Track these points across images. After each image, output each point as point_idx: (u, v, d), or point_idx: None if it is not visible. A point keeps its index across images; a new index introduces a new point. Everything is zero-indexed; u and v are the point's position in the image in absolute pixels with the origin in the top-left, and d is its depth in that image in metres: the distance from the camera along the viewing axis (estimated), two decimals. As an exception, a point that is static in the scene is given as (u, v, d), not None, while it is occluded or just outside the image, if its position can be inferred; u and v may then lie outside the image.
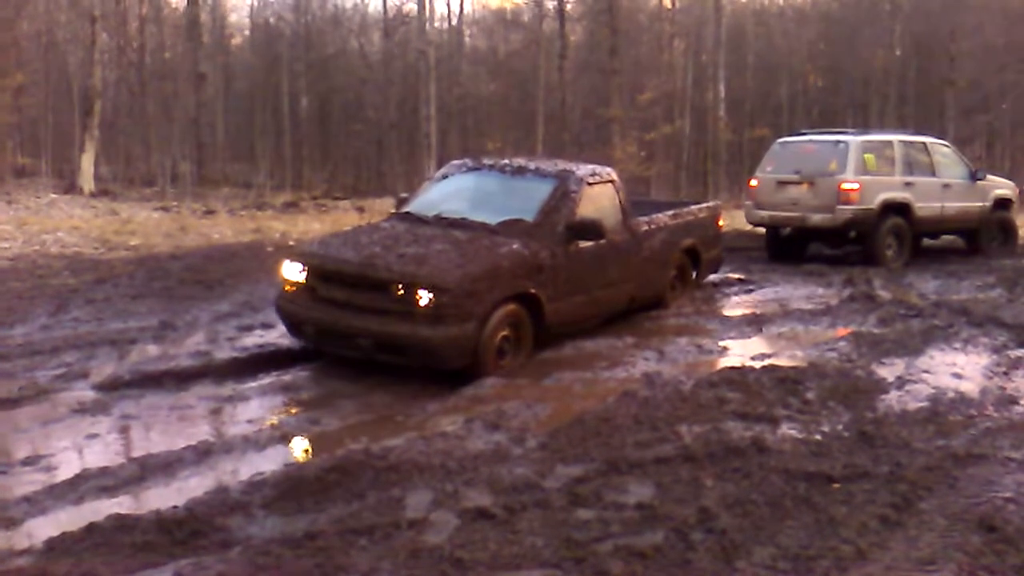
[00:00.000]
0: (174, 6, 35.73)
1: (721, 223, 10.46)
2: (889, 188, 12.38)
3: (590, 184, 7.92)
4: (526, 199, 7.55)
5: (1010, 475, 4.66)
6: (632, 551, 3.74)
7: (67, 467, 4.78)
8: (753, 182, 13.32)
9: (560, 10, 30.42)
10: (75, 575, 3.53)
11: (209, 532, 3.94)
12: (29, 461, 4.87)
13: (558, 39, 30.76)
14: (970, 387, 6.36)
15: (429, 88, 27.23)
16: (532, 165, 8.22)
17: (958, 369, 6.85)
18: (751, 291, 10.58)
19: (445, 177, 8.56)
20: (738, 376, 6.36)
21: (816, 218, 12.30)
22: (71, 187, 23.47)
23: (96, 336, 7.44)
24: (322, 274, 6.77)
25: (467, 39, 40.70)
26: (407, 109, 32.75)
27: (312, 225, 16.31)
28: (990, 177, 14.37)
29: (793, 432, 5.29)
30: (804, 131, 14.66)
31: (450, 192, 8.15)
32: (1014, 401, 6.03)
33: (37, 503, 4.29)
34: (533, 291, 6.87)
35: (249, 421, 5.68)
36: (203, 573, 3.56)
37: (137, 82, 30.44)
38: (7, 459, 4.94)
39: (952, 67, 29.99)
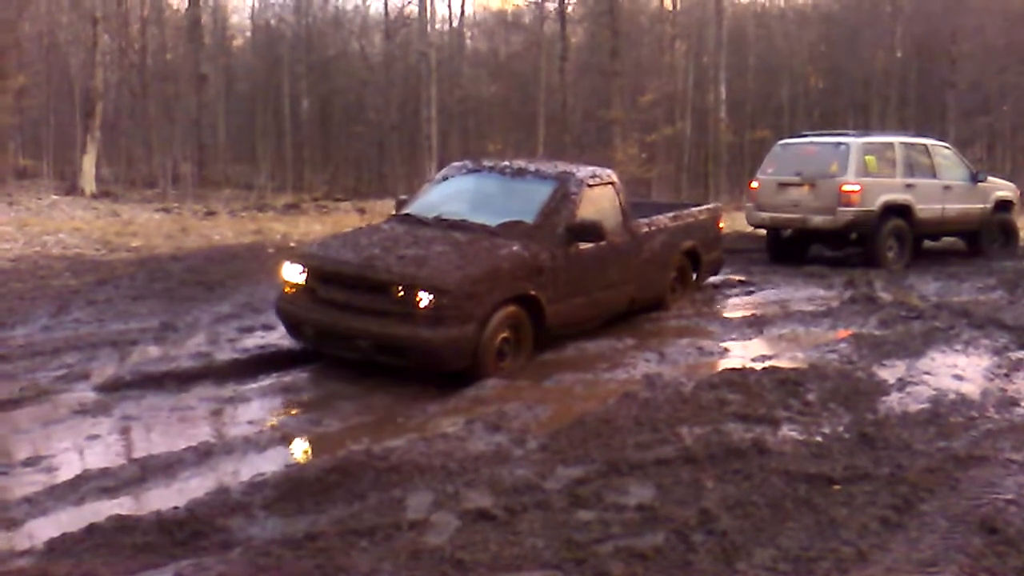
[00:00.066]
0: (175, 8, 35.79)
1: (721, 225, 10.45)
2: (890, 190, 12.38)
3: (590, 186, 7.92)
4: (526, 201, 7.54)
5: (1011, 477, 4.65)
6: (633, 552, 3.74)
7: (68, 468, 4.78)
8: (754, 184, 13.32)
9: (561, 12, 30.45)
10: (75, 576, 3.53)
11: (210, 533, 3.94)
12: (30, 462, 4.87)
13: (559, 41, 30.77)
14: (971, 389, 6.36)
15: (430, 90, 27.25)
16: (532, 167, 8.21)
17: (959, 371, 6.85)
18: (752, 293, 10.58)
19: (445, 179, 8.56)
20: (739, 378, 6.35)
21: (817, 220, 12.30)
22: (72, 188, 23.49)
23: (97, 337, 7.44)
24: (322, 276, 6.76)
25: (468, 41, 40.77)
26: (408, 111, 32.78)
27: (313, 227, 16.31)
28: (991, 179, 14.39)
29: (794, 434, 5.29)
30: (805, 133, 14.68)
31: (450, 194, 8.15)
32: (1015, 403, 6.03)
33: (38, 504, 4.29)
34: (533, 293, 6.87)
35: (250, 422, 5.68)
36: (204, 574, 3.56)
37: (138, 83, 30.46)
38: (8, 460, 4.94)
39: (953, 69, 30.00)
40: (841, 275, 11.35)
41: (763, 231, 13.67)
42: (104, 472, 4.64)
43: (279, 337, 7.34)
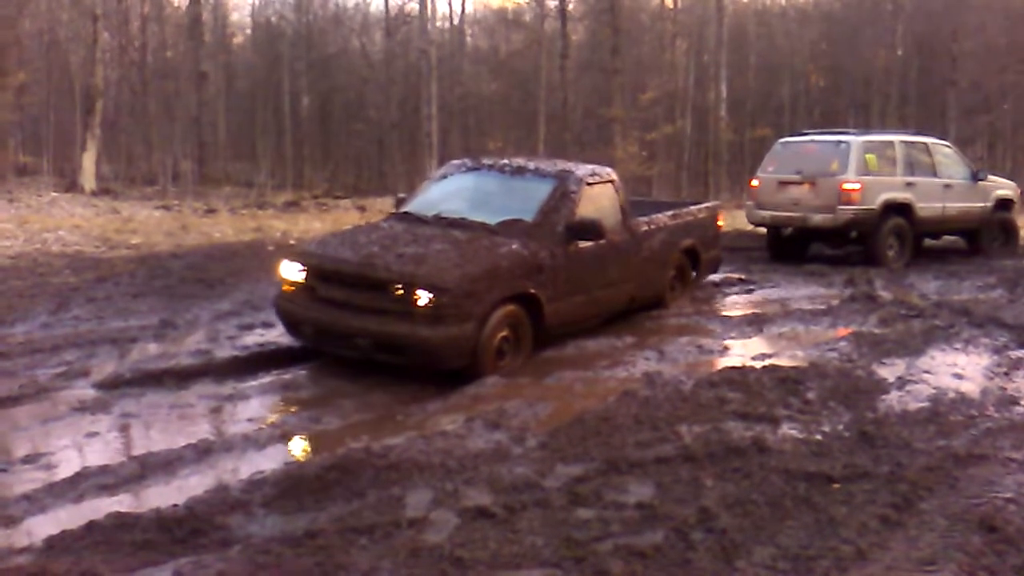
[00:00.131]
0: (176, 5, 35.79)
1: (720, 223, 10.46)
2: (890, 188, 12.37)
3: (590, 184, 7.92)
4: (525, 199, 7.54)
5: (1011, 475, 4.66)
6: (632, 551, 3.74)
7: (67, 465, 4.78)
8: (754, 182, 13.32)
9: (562, 9, 30.41)
10: (75, 573, 3.52)
11: (209, 530, 3.94)
12: (29, 459, 4.87)
13: (560, 39, 30.75)
14: (971, 387, 6.36)
15: (430, 87, 27.24)
16: (531, 165, 8.21)
17: (959, 369, 6.85)
18: (752, 291, 10.58)
19: (444, 177, 8.55)
20: (739, 376, 6.35)
21: (817, 218, 12.30)
22: (72, 186, 23.50)
23: (97, 334, 7.44)
24: (321, 274, 6.75)
25: (469, 38, 40.75)
26: (408, 108, 32.79)
27: (313, 224, 16.31)
28: (991, 177, 14.38)
29: (794, 432, 5.29)
30: (806, 131, 14.66)
31: (449, 192, 8.14)
32: (1015, 402, 6.03)
33: (37, 501, 4.29)
34: (532, 291, 6.86)
35: (249, 420, 5.67)
36: (203, 571, 3.55)
37: (139, 81, 30.48)
38: (7, 457, 4.94)
39: (954, 67, 29.99)
40: (841, 273, 11.35)
41: (763, 229, 13.68)
42: (103, 469, 4.64)
43: (279, 335, 7.33)
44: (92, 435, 5.31)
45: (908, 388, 6.27)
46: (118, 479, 4.56)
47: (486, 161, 8.55)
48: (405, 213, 7.91)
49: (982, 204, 13.79)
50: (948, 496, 4.37)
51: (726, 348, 7.64)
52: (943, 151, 13.66)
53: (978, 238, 14.02)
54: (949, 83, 30.20)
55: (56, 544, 3.80)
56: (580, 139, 29.97)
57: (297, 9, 35.20)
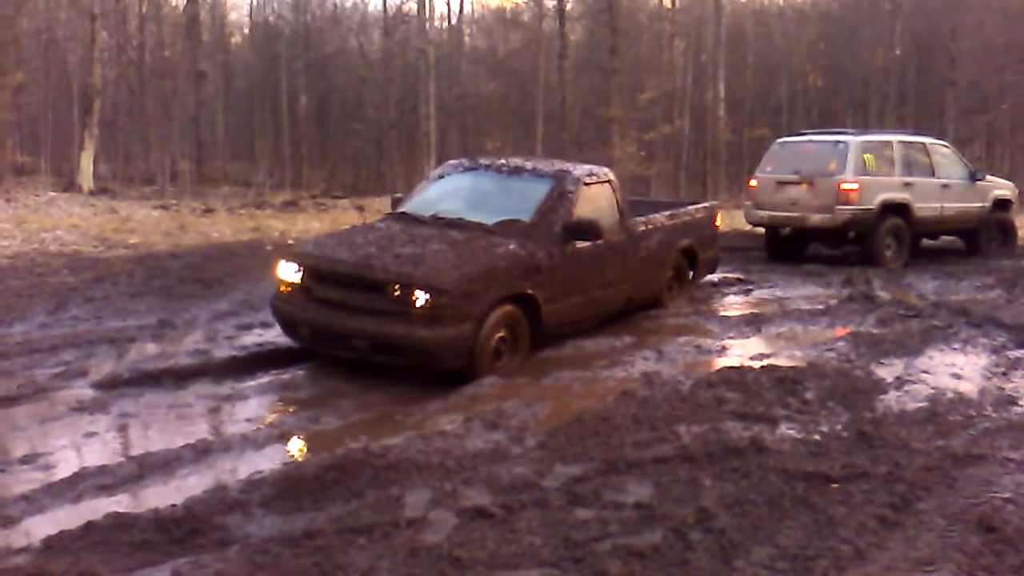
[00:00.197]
0: (174, 4, 35.75)
1: (718, 223, 10.46)
2: (888, 188, 12.38)
3: (587, 184, 7.91)
4: (523, 199, 7.53)
5: (1009, 475, 4.66)
6: (631, 551, 3.74)
7: (65, 465, 4.77)
8: (752, 182, 13.32)
9: (560, 9, 30.41)
10: (73, 573, 3.52)
11: (207, 531, 3.94)
12: (27, 459, 4.86)
13: (558, 38, 30.75)
14: (969, 387, 6.36)
15: (428, 87, 27.23)
16: (529, 165, 8.20)
17: (957, 369, 6.86)
18: (750, 291, 10.59)
19: (441, 177, 8.54)
20: (737, 376, 6.36)
21: (815, 218, 12.31)
22: (70, 185, 23.48)
23: (95, 334, 7.44)
24: (317, 274, 6.73)
25: (467, 38, 40.75)
26: (406, 108, 32.78)
27: (311, 224, 16.31)
28: (989, 178, 14.39)
29: (792, 432, 5.30)
30: (804, 131, 14.68)
31: (446, 192, 8.13)
32: (1013, 401, 6.03)
33: (35, 501, 4.29)
34: (530, 292, 6.85)
35: (248, 420, 5.67)
36: (201, 572, 3.55)
37: (137, 80, 30.43)
38: (5, 457, 4.94)
39: (952, 67, 30.00)
40: (839, 273, 11.36)
41: (761, 229, 13.68)
42: (102, 470, 4.63)
43: (277, 335, 7.33)
44: (90, 435, 5.30)
45: (906, 388, 6.28)
46: (116, 479, 4.56)
47: (483, 161, 8.54)
48: (402, 213, 7.90)
49: (980, 204, 13.80)
50: (946, 496, 4.38)
51: (724, 348, 7.64)
52: (941, 151, 13.68)
53: (976, 238, 14.03)
54: (947, 83, 30.22)
55: (54, 544, 3.80)
56: (578, 139, 29.97)
57: (295, 8, 35.19)
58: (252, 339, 7.44)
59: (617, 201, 8.29)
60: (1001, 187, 14.49)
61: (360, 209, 19.70)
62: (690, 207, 9.94)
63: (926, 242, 14.15)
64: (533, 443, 5.06)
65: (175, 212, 18.84)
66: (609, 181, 8.30)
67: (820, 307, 9.33)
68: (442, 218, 7.44)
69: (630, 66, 32.43)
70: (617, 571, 3.58)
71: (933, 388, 6.29)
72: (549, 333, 7.21)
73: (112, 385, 6.11)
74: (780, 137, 14.63)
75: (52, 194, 21.54)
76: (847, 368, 6.74)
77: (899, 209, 12.46)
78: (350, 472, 4.51)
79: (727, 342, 7.85)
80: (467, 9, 46.10)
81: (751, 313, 9.14)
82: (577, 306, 7.51)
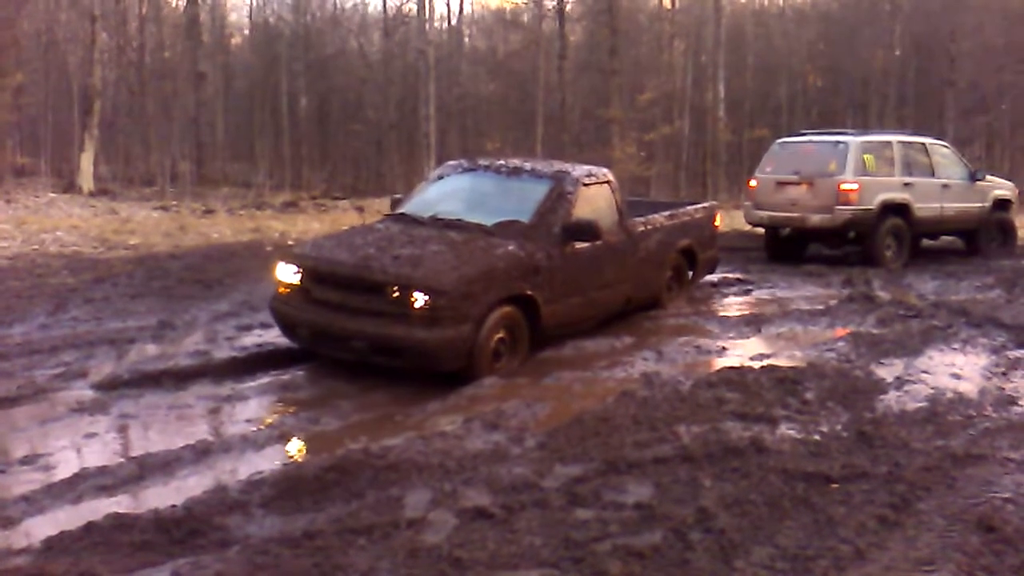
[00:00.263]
0: (174, 5, 35.77)
1: (717, 223, 10.46)
2: (888, 189, 12.39)
3: (586, 185, 7.91)
4: (522, 200, 7.52)
5: (1009, 475, 4.66)
6: (631, 551, 3.74)
7: (65, 466, 4.77)
8: (752, 182, 13.33)
9: (560, 10, 30.42)
10: (73, 574, 3.52)
11: (207, 531, 3.94)
12: (27, 460, 4.87)
13: (558, 39, 30.76)
14: (969, 387, 6.37)
15: (428, 88, 27.24)
16: (528, 166, 8.20)
17: (957, 369, 6.86)
18: (750, 291, 10.59)
19: (440, 178, 8.53)
20: (737, 376, 6.35)
21: (815, 218, 12.31)
22: (70, 186, 23.48)
23: (95, 335, 7.44)
24: (316, 276, 6.73)
25: (467, 39, 40.77)
26: (406, 109, 32.79)
27: (311, 225, 16.31)
28: (989, 178, 14.40)
29: (792, 432, 5.30)
30: (803, 131, 14.68)
31: (445, 193, 8.13)
32: (1013, 401, 6.03)
33: (35, 502, 4.29)
34: (529, 293, 6.85)
35: (248, 420, 5.67)
36: (201, 572, 3.55)
37: (137, 81, 30.43)
38: (5, 458, 4.94)
39: (952, 68, 30.01)
40: (839, 274, 11.37)
41: (761, 230, 13.68)
42: (102, 470, 4.64)
43: (277, 335, 7.32)
44: (90, 436, 5.30)
45: (906, 388, 6.28)
46: (116, 480, 4.56)
47: (482, 162, 8.54)
48: (401, 214, 7.89)
49: (980, 204, 13.80)
50: (946, 496, 4.38)
51: (724, 348, 7.64)
52: (941, 151, 13.68)
53: (976, 238, 14.04)
54: (947, 83, 30.23)
55: (54, 545, 3.80)
56: (578, 140, 29.98)
57: (295, 10, 35.20)
58: (252, 340, 7.45)
59: (616, 202, 8.29)
60: (1001, 187, 14.50)
61: (360, 210, 19.70)
62: (689, 207, 9.94)
63: (926, 242, 14.15)
64: (533, 443, 5.06)
65: (175, 213, 18.84)
66: (608, 182, 8.30)
67: (820, 307, 9.33)
68: (441, 219, 7.44)
69: (630, 67, 32.44)
70: (617, 571, 3.58)
71: (933, 388, 6.29)
72: (548, 334, 7.21)
73: (112, 386, 6.11)
74: (780, 137, 14.63)
75: (52, 195, 21.54)
76: (847, 368, 6.75)
77: (899, 209, 12.46)
78: (350, 473, 4.51)
79: (727, 342, 7.85)
80: (467, 10, 46.12)
81: (751, 313, 9.14)
82: (576, 307, 7.50)
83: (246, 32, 41.01)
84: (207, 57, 31.84)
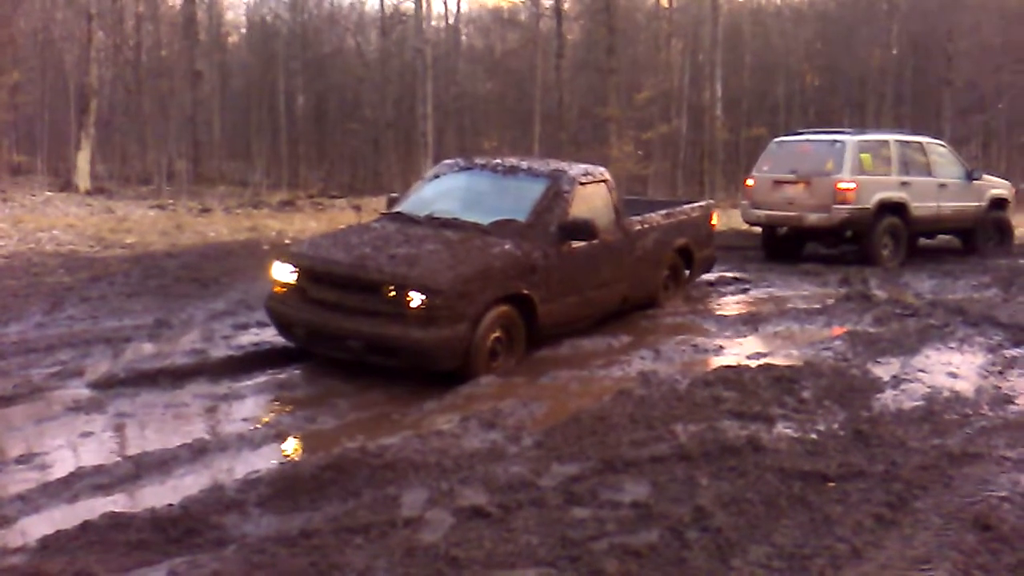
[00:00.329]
0: (170, 4, 35.73)
1: (714, 222, 10.45)
2: (885, 188, 12.40)
3: (583, 184, 7.90)
4: (518, 199, 7.51)
5: (1005, 474, 4.66)
6: (627, 550, 3.74)
7: (62, 465, 4.76)
8: (750, 181, 13.33)
9: (557, 9, 30.42)
10: (69, 573, 3.52)
11: (204, 530, 3.94)
12: (23, 459, 4.85)
13: (555, 38, 30.76)
14: (965, 386, 6.37)
15: (426, 87, 27.23)
16: (524, 165, 8.19)
17: (953, 368, 6.87)
18: (747, 290, 10.60)
19: (436, 177, 8.52)
20: (734, 375, 6.36)
21: (812, 217, 12.32)
22: (67, 185, 23.47)
23: (91, 334, 7.43)
24: (312, 275, 6.72)
25: (464, 38, 40.75)
26: (404, 108, 32.79)
27: (308, 223, 16.30)
28: (986, 177, 14.41)
29: (789, 431, 5.30)
30: (801, 131, 14.69)
31: (442, 192, 8.11)
32: (1009, 400, 6.04)
33: (31, 501, 4.28)
34: (526, 292, 6.84)
35: (244, 419, 5.66)
36: (198, 571, 3.55)
37: (133, 80, 30.43)
38: (1, 457, 4.93)
39: (949, 67, 30.03)
40: (836, 273, 11.37)
41: (758, 228, 13.69)
42: (98, 469, 4.63)
43: (273, 334, 7.31)
44: (87, 435, 5.29)
45: (903, 387, 6.28)
46: (113, 479, 4.55)
47: (478, 161, 8.52)
48: (397, 213, 7.88)
49: (977, 203, 13.82)
50: (943, 495, 4.38)
51: (721, 347, 7.64)
52: (938, 150, 13.69)
53: (973, 237, 14.05)
54: (944, 82, 30.25)
55: (51, 544, 3.79)
56: (576, 138, 29.98)
57: (292, 8, 35.20)
58: (249, 339, 7.44)
59: (613, 200, 8.29)
60: (998, 186, 14.51)
61: (357, 209, 19.69)
62: (686, 206, 9.93)
63: (923, 241, 14.17)
64: (530, 442, 5.06)
65: (171, 212, 18.83)
66: (605, 180, 8.29)
67: (817, 306, 9.34)
68: (437, 218, 7.43)
69: (627, 65, 32.46)
70: (614, 570, 3.58)
71: (930, 387, 6.29)
72: (545, 333, 7.20)
73: (108, 385, 6.10)
74: (777, 136, 14.63)
75: (48, 194, 21.53)
76: (844, 367, 6.75)
77: (896, 208, 12.47)
78: (347, 472, 4.51)
79: (724, 341, 7.85)
80: (464, 9, 46.18)
81: (748, 312, 9.14)
82: (573, 306, 7.50)
83: (243, 31, 41.03)
84: (204, 56, 31.85)
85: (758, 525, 4.01)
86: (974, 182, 13.72)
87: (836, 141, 12.51)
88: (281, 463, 4.85)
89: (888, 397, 6.05)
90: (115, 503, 4.29)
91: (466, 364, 6.40)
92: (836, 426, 5.41)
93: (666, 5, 34.69)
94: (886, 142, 12.93)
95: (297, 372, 6.76)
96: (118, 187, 24.72)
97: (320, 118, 35.29)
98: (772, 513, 4.13)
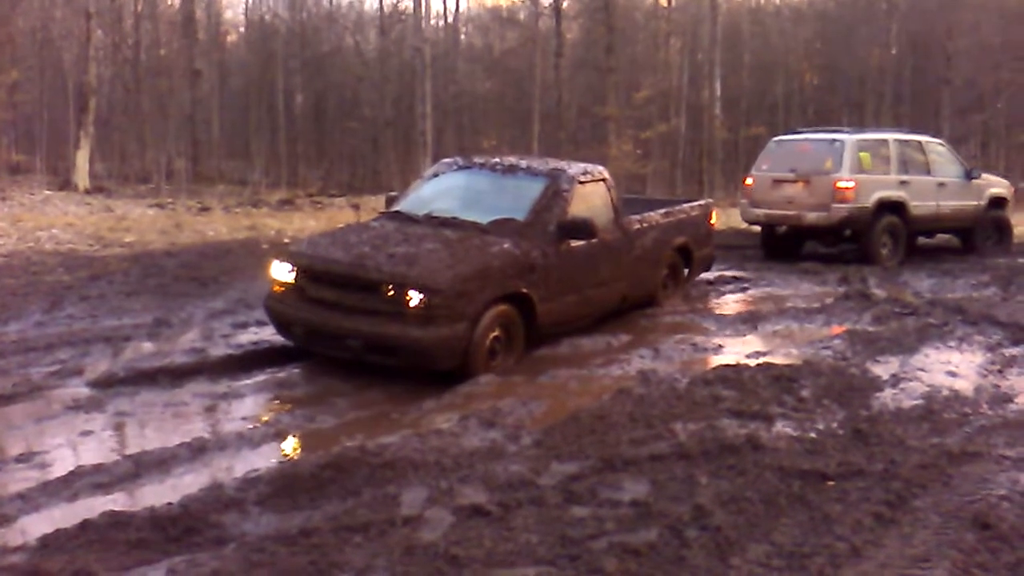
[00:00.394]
0: (169, 3, 35.72)
1: (713, 221, 10.45)
2: (884, 187, 12.40)
3: (581, 183, 7.90)
4: (517, 198, 7.51)
5: (1004, 473, 4.67)
6: (627, 548, 3.74)
7: (61, 464, 4.76)
8: (749, 180, 13.33)
9: (556, 8, 30.42)
10: (69, 572, 3.52)
11: (203, 529, 3.94)
12: (23, 458, 4.85)
13: (554, 37, 30.76)
14: (965, 385, 6.37)
15: (425, 86, 27.23)
16: (523, 164, 8.18)
17: (953, 367, 6.87)
18: (746, 289, 10.60)
19: (435, 176, 8.51)
20: (733, 374, 6.36)
21: (811, 216, 12.32)
22: (66, 184, 23.46)
23: (90, 333, 7.42)
24: (311, 274, 6.71)
25: (463, 37, 40.78)
26: (403, 107, 32.79)
27: (307, 222, 16.29)
28: (985, 176, 14.40)
29: (788, 430, 5.30)
30: (800, 129, 14.68)
31: (440, 191, 8.10)
32: (1008, 399, 6.04)
33: (31, 500, 4.28)
34: (524, 291, 6.83)
35: (244, 418, 5.66)
36: (197, 570, 3.55)
37: (132, 79, 30.41)
38: (1, 456, 4.93)
39: (948, 66, 30.05)
40: (835, 271, 11.38)
41: (757, 227, 13.69)
42: (97, 468, 4.62)
43: (273, 333, 7.31)
44: (86, 434, 5.29)
45: (902, 386, 6.29)
46: (112, 477, 4.55)
47: (477, 160, 8.51)
48: (396, 212, 7.87)
49: (976, 202, 13.81)
50: (942, 493, 4.38)
51: (720, 346, 7.64)
52: (937, 149, 13.69)
53: (972, 236, 14.05)
54: (943, 82, 30.26)
55: (50, 543, 3.79)
56: (574, 137, 30.01)
57: (291, 7, 35.19)
58: (248, 337, 7.44)
59: (612, 199, 8.28)
60: (996, 185, 14.51)
61: (356, 207, 19.66)
62: (685, 205, 9.93)
63: (922, 240, 14.16)
64: (529, 441, 5.06)
65: (171, 211, 18.82)
66: (604, 179, 8.29)
67: (816, 305, 9.34)
68: (436, 217, 7.42)
69: (626, 64, 32.46)
70: (613, 569, 3.58)
71: (929, 386, 6.30)
72: (544, 332, 7.20)
73: (108, 384, 6.10)
74: (776, 135, 14.63)
75: (47, 193, 21.52)
76: (843, 366, 6.75)
77: (895, 207, 12.47)
78: (346, 470, 4.51)
79: (723, 340, 7.85)
80: (463, 7, 46.16)
81: (747, 311, 9.15)
82: (572, 305, 7.50)
83: (242, 29, 41.04)
84: (203, 54, 31.83)
85: (757, 524, 4.01)
86: (973, 181, 13.71)
87: (835, 140, 12.50)
88: (280, 462, 4.85)
89: (887, 396, 6.05)
90: (114, 502, 4.29)
91: (465, 363, 6.40)
92: (835, 425, 5.41)
93: (665, 4, 34.69)
94: (885, 141, 12.93)
95: (296, 371, 6.76)
96: (117, 186, 24.72)
97: (319, 117, 35.29)
98: (771, 512, 4.13)
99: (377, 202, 18.78)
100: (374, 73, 34.07)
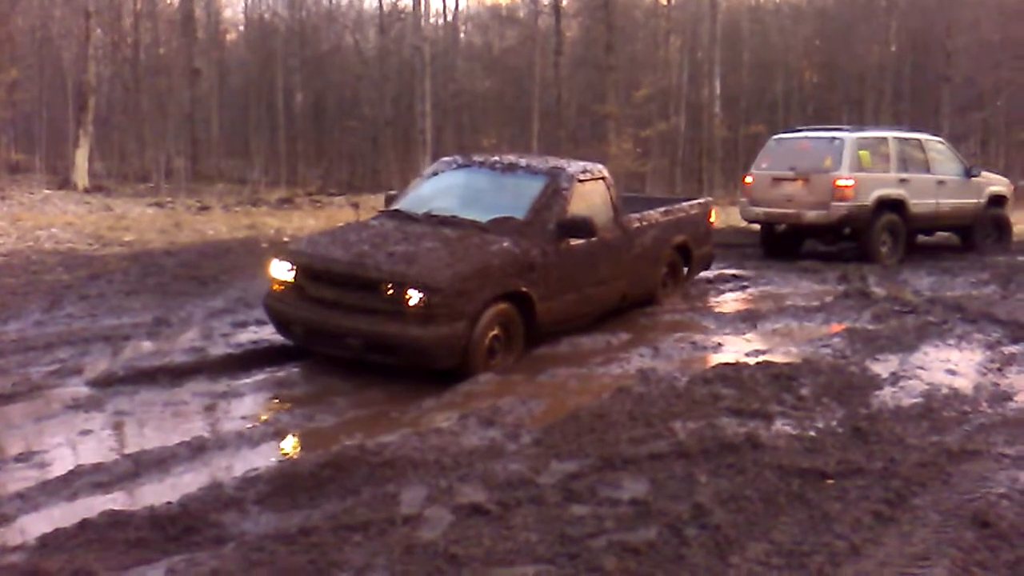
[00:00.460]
0: (168, 2, 35.70)
1: (713, 220, 10.45)
2: (884, 185, 12.40)
3: (581, 181, 7.89)
4: (517, 196, 7.50)
5: (1004, 471, 4.67)
6: (626, 547, 3.74)
7: (61, 463, 4.76)
8: (748, 178, 13.33)
9: (556, 6, 30.42)
10: (68, 571, 3.52)
11: (203, 528, 3.93)
12: (22, 457, 4.85)
13: (554, 35, 30.76)
14: (964, 383, 6.37)
15: (424, 84, 27.24)
16: (523, 162, 8.17)
17: (952, 365, 6.87)
18: (746, 287, 10.60)
19: (435, 174, 8.50)
20: (732, 372, 6.36)
21: (811, 214, 12.32)
22: (65, 183, 23.46)
23: (90, 332, 7.42)
24: (311, 273, 6.71)
25: (462, 35, 40.78)
26: (402, 105, 32.79)
27: (307, 221, 16.29)
28: (985, 174, 14.39)
29: (787, 428, 5.30)
30: (799, 128, 14.68)
31: (440, 189, 8.09)
32: (1008, 397, 6.04)
33: (30, 499, 4.28)
34: (524, 290, 6.83)
35: (243, 417, 5.66)
36: (197, 569, 3.55)
37: (131, 78, 30.40)
38: (0, 455, 4.93)
39: (948, 63, 30.05)
40: (835, 270, 11.38)
41: (757, 226, 13.70)
42: (97, 467, 4.62)
43: (272, 332, 7.30)
44: (85, 433, 5.29)
45: (901, 384, 6.28)
46: (112, 477, 4.55)
47: (477, 158, 8.50)
48: (395, 211, 7.86)
49: (975, 200, 13.81)
50: (941, 492, 4.38)
51: (720, 344, 7.64)
52: (936, 147, 13.69)
53: (971, 234, 14.05)
54: (943, 79, 30.27)
55: (49, 542, 3.79)
56: (574, 136, 30.02)
57: (290, 6, 35.20)
58: (247, 336, 7.44)
59: (611, 198, 8.28)
60: (996, 183, 14.51)
61: (356, 206, 19.65)
62: (685, 203, 9.92)
63: (921, 238, 14.17)
64: (529, 440, 5.06)
65: (170, 210, 18.82)
66: (603, 178, 8.28)
67: (815, 303, 9.34)
68: (436, 216, 7.41)
69: (626, 63, 32.47)
70: (612, 567, 3.58)
71: (928, 384, 6.30)
72: (544, 331, 7.19)
73: (107, 383, 6.10)
74: (776, 134, 14.62)
75: (47, 192, 21.52)
76: (842, 364, 6.75)
77: (894, 205, 12.47)
78: (346, 469, 4.51)
79: (722, 338, 7.84)
80: (463, 6, 46.13)
81: (746, 309, 9.14)
82: (572, 303, 7.49)
83: (241, 28, 41.05)
84: (202, 53, 31.84)
85: (757, 522, 4.01)
86: (973, 179, 13.71)
87: (835, 138, 12.50)
88: (280, 461, 4.85)
89: (887, 394, 6.05)
90: (114, 501, 4.28)
91: (465, 362, 6.39)
92: (835, 423, 5.41)
93: (664, 2, 34.70)
94: (884, 139, 12.93)
95: (296, 370, 6.76)
96: (116, 185, 24.72)
97: (319, 116, 35.30)
98: (771, 510, 4.13)
99: (376, 201, 18.78)
100: (373, 72, 34.07)
